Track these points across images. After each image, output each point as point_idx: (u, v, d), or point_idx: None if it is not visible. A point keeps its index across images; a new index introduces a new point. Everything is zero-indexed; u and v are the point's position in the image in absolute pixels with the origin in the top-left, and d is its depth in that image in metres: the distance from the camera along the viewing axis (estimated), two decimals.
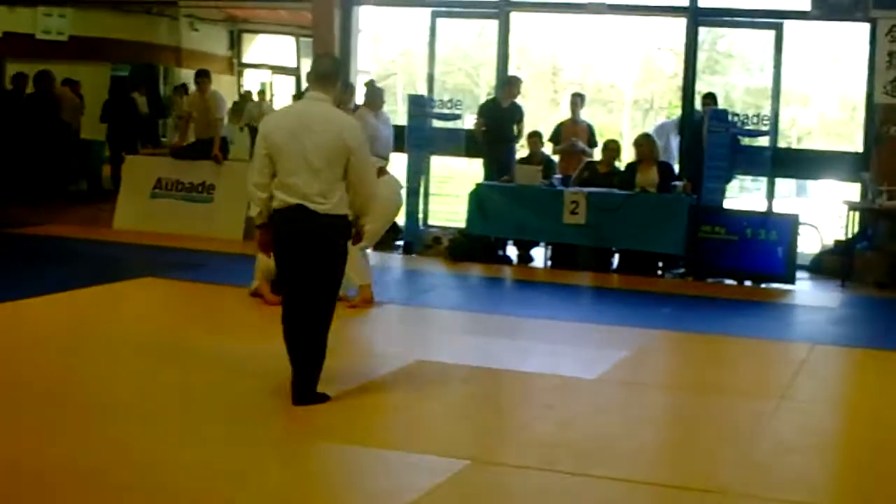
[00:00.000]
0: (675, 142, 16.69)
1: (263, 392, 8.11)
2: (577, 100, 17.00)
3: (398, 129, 16.19)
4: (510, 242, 15.67)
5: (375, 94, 15.37)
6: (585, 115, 17.06)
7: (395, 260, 15.42)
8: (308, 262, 7.68)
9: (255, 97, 25.12)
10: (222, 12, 24.91)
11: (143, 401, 7.81)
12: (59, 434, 6.88)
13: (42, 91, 18.72)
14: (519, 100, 16.47)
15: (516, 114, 16.35)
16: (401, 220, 15.30)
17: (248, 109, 24.00)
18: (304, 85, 20.02)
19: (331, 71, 8.01)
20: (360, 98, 15.55)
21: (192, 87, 17.51)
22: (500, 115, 16.23)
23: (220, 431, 7.12)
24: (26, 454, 6.45)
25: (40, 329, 9.88)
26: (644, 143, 15.02)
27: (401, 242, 15.96)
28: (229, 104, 20.30)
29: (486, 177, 16.05)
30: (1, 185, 18.20)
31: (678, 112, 17.72)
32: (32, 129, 18.28)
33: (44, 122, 18.39)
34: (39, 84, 18.79)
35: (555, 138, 16.63)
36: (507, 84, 16.57)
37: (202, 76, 16.95)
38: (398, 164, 16.25)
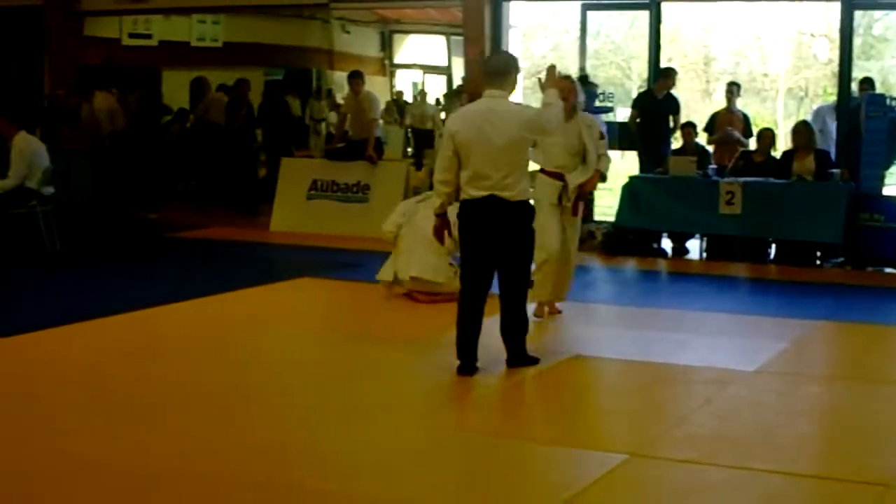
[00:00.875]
0: (832, 126, 16.43)
1: (423, 391, 8.24)
2: (734, 89, 16.87)
3: None
4: (665, 235, 15.58)
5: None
6: (739, 104, 16.90)
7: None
8: (505, 246, 8.39)
9: (414, 98, 25.27)
10: (373, 14, 25.14)
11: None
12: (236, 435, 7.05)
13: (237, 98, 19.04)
14: (673, 91, 16.38)
15: (672, 105, 16.28)
16: None
17: (409, 110, 24.19)
18: (457, 83, 20.22)
19: (504, 67, 8.46)
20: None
21: (341, 92, 17.71)
22: (655, 106, 16.16)
23: (383, 430, 7.23)
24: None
25: (208, 326, 10.14)
26: (801, 131, 14.83)
27: None
28: (383, 105, 20.55)
29: (642, 169, 15.99)
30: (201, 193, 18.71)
31: (833, 99, 17.43)
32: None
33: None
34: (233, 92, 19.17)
35: (710, 128, 16.52)
36: (663, 76, 16.50)
37: (355, 77, 17.15)
38: None
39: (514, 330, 8.65)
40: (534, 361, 8.75)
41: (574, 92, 10.07)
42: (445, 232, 8.77)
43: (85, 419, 7.33)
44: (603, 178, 10.79)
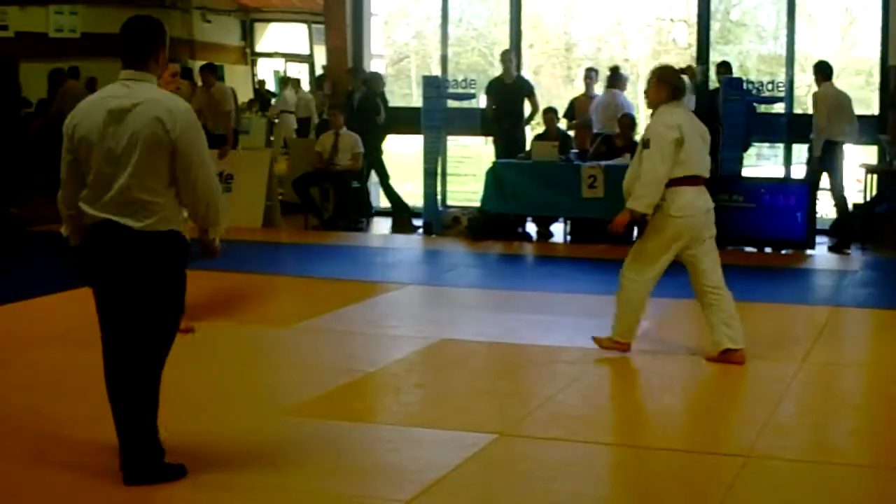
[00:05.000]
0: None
1: (290, 379, 8.25)
2: (592, 74, 17.05)
3: (413, 112, 16.24)
4: (529, 219, 15.73)
5: None
6: (599, 89, 17.08)
7: (415, 241, 15.52)
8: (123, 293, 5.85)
9: (290, 86, 24.94)
10: (234, 2, 24.98)
11: None
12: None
13: None
14: (530, 76, 16.49)
15: (523, 89, 16.38)
16: (419, 201, 15.40)
17: (284, 97, 23.90)
18: (319, 72, 20.18)
19: (145, 37, 5.89)
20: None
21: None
22: (507, 91, 16.26)
23: (249, 421, 7.22)
24: None
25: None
26: None
27: (420, 223, 16.04)
28: (250, 94, 20.42)
29: (498, 155, 16.11)
30: None
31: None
32: None
33: None
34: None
35: (569, 114, 16.69)
36: (501, 60, 16.62)
37: (207, 70, 17.00)
38: (414, 146, 16.38)
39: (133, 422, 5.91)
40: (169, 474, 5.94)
41: None
42: None
43: None
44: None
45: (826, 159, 14.30)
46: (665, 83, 8.66)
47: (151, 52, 5.85)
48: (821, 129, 14.26)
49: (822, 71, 14.55)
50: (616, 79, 16.63)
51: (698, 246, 8.65)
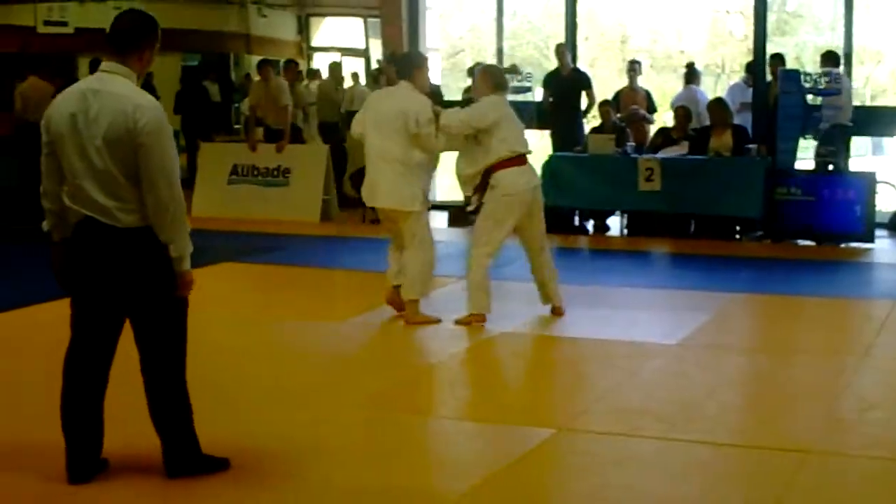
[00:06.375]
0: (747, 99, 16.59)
1: (354, 373, 8.27)
2: (636, 66, 17.01)
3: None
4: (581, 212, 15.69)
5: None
6: (656, 81, 17.01)
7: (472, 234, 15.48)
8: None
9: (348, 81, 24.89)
10: None
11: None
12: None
13: None
14: (587, 68, 16.45)
15: (581, 82, 16.34)
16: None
17: (349, 95, 23.84)
18: (374, 65, 20.21)
19: (131, 31, 5.79)
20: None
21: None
22: (564, 84, 16.22)
23: (306, 414, 7.24)
24: None
25: None
26: (715, 108, 14.95)
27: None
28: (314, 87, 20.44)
29: (555, 148, 16.07)
30: None
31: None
32: None
33: None
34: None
35: (615, 107, 16.65)
36: (556, 53, 16.59)
37: (265, 65, 17.09)
38: None
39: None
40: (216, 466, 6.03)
41: None
42: None
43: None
44: None
45: None
46: (489, 76, 9.92)
47: (136, 48, 5.72)
48: None
49: None
50: (692, 75, 16.64)
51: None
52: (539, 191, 9.86)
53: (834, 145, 14.35)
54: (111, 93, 5.60)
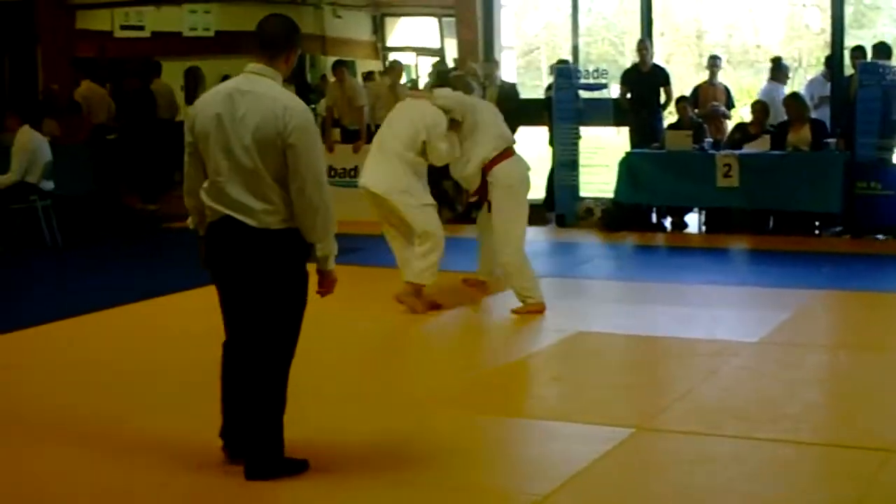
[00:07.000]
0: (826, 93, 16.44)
1: (432, 369, 8.29)
2: (716, 61, 16.89)
3: (540, 103, 16.20)
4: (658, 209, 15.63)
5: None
6: (732, 76, 16.90)
7: (549, 232, 15.49)
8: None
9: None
10: None
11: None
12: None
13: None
14: (664, 64, 16.36)
15: (659, 78, 16.28)
16: (540, 193, 15.36)
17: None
18: (451, 64, 20.24)
19: (279, 34, 5.96)
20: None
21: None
22: (643, 80, 16.17)
23: (384, 414, 7.27)
24: None
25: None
26: (792, 103, 14.83)
27: (553, 215, 16.01)
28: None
29: (633, 145, 16.01)
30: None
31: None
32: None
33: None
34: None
35: (693, 102, 16.55)
36: (637, 49, 16.54)
37: (339, 66, 17.15)
38: (542, 138, 16.38)
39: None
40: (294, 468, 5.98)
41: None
42: None
43: (106, 409, 7.35)
44: None
45: None
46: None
47: (283, 51, 5.88)
48: None
49: None
50: (778, 70, 16.52)
51: None
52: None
53: None
54: (259, 94, 5.73)
